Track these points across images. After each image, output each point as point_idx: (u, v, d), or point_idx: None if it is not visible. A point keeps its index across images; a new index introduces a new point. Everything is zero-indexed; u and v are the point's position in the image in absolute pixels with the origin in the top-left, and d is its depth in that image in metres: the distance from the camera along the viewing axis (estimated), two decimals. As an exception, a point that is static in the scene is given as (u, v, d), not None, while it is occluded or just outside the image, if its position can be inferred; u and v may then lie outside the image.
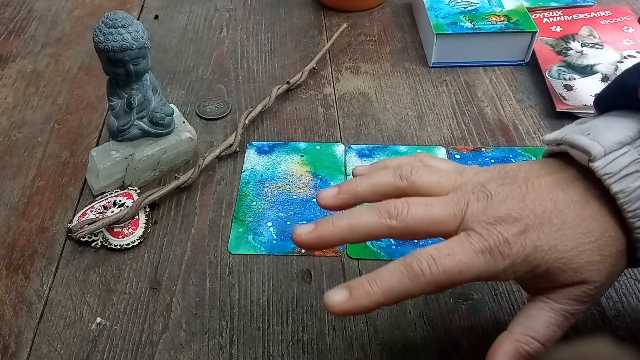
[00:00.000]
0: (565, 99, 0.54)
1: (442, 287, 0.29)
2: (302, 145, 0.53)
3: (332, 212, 0.33)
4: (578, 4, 0.67)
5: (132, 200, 0.47)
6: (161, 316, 0.40)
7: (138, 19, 0.69)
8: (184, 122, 0.51)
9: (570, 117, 0.54)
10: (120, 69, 0.44)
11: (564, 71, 0.58)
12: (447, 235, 0.31)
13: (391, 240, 0.44)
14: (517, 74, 0.60)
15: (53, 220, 0.47)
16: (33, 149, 0.53)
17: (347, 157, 0.51)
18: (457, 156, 0.51)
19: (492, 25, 0.60)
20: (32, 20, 0.72)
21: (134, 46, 0.43)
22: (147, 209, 0.47)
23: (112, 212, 0.46)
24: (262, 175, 0.50)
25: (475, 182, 0.32)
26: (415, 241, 0.44)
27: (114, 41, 0.42)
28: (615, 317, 0.39)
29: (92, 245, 0.44)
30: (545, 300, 0.30)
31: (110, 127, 0.47)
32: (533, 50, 0.60)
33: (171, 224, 0.46)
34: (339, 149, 0.52)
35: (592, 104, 0.54)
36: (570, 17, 0.65)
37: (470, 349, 0.37)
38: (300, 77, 0.59)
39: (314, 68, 0.60)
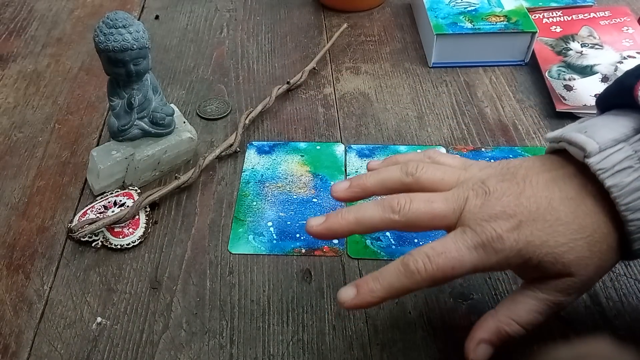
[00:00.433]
0: (565, 99, 0.55)
1: (438, 282, 0.31)
2: (302, 145, 0.53)
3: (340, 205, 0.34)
4: (578, 5, 0.67)
5: (132, 200, 0.47)
6: (161, 316, 0.40)
7: (139, 19, 0.69)
8: (184, 122, 0.51)
9: (570, 117, 0.54)
10: (120, 69, 0.44)
11: (564, 71, 0.58)
12: (447, 228, 0.33)
13: (391, 240, 0.44)
14: (517, 74, 0.60)
15: (53, 220, 0.47)
16: (33, 148, 0.54)
17: (347, 157, 0.51)
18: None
19: (492, 26, 0.60)
20: (32, 21, 0.72)
21: (135, 46, 0.43)
22: (148, 209, 0.47)
23: (113, 212, 0.46)
24: (262, 175, 0.50)
25: (476, 179, 0.33)
26: (415, 240, 0.44)
27: (114, 41, 0.42)
28: (615, 317, 0.39)
29: (93, 245, 0.44)
30: (532, 289, 0.32)
31: (110, 127, 0.47)
32: (533, 51, 0.60)
33: (171, 224, 0.46)
34: (339, 149, 0.52)
35: (591, 104, 0.54)
36: (570, 17, 0.65)
37: (470, 348, 0.37)
38: (301, 77, 0.59)
39: (314, 68, 0.60)
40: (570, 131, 0.32)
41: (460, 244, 0.31)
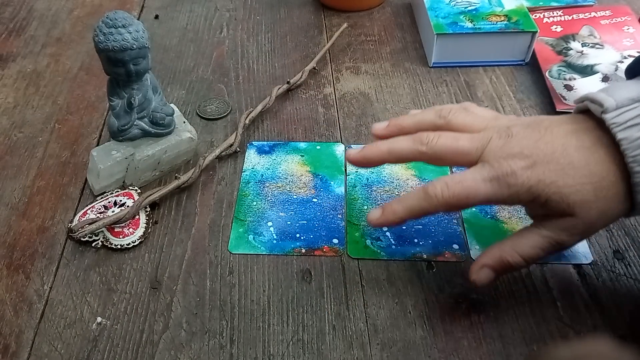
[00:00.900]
0: (566, 99, 0.54)
1: (453, 208, 0.36)
2: (303, 145, 0.53)
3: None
4: (578, 4, 0.67)
5: (132, 200, 0.47)
6: (162, 316, 0.40)
7: (138, 19, 0.69)
8: (184, 122, 0.51)
9: (571, 117, 0.54)
10: (120, 69, 0.44)
11: (564, 71, 0.58)
12: (469, 165, 0.36)
13: (391, 240, 0.44)
14: (517, 74, 0.60)
15: (54, 220, 0.47)
16: (33, 148, 0.54)
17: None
18: (457, 156, 0.51)
19: (492, 25, 0.60)
20: (32, 20, 0.72)
21: (134, 46, 0.43)
22: (148, 209, 0.47)
23: (113, 211, 0.46)
24: (262, 175, 0.50)
25: (503, 125, 0.37)
26: (415, 240, 0.44)
27: (114, 41, 0.42)
28: (615, 317, 0.39)
29: (93, 245, 0.44)
30: (538, 226, 0.35)
31: (110, 127, 0.47)
32: (533, 50, 0.60)
33: (172, 224, 0.46)
34: (339, 149, 0.52)
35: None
36: (571, 17, 0.65)
37: (470, 348, 0.37)
38: (301, 77, 0.59)
39: (314, 68, 0.60)
40: (594, 92, 0.35)
41: (477, 175, 0.34)
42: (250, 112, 0.54)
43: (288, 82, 0.58)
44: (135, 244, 0.44)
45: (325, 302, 0.40)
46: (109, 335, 0.39)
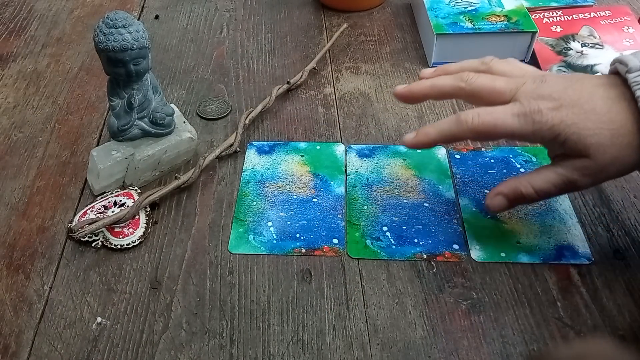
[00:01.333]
0: (566, 99, 0.54)
1: (481, 136, 0.39)
2: (303, 145, 0.53)
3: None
4: (578, 4, 0.67)
5: (132, 200, 0.47)
6: (161, 316, 0.40)
7: (138, 19, 0.69)
8: (184, 122, 0.51)
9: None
10: (120, 69, 0.44)
11: (564, 71, 0.58)
12: (502, 104, 0.39)
13: (391, 240, 0.44)
14: (517, 74, 0.60)
15: (53, 220, 0.47)
16: (33, 148, 0.54)
17: (347, 157, 0.51)
18: (457, 156, 0.51)
19: (492, 26, 0.60)
20: (32, 20, 0.72)
21: (135, 46, 0.43)
22: (148, 209, 0.47)
23: (113, 212, 0.46)
24: (262, 175, 0.50)
25: (539, 74, 0.40)
26: (415, 240, 0.44)
27: (114, 41, 0.42)
28: (615, 317, 0.39)
29: (93, 245, 0.44)
30: (554, 164, 0.39)
31: (110, 127, 0.47)
32: (533, 50, 0.60)
33: (172, 224, 0.46)
34: (339, 149, 0.52)
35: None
36: (571, 17, 0.65)
37: (470, 348, 0.37)
38: (301, 77, 0.59)
39: (314, 68, 0.60)
40: (625, 55, 0.37)
41: (507, 109, 0.38)
42: (250, 112, 0.54)
43: (288, 82, 0.58)
44: (135, 244, 0.44)
45: (325, 302, 0.40)
46: (109, 335, 0.39)
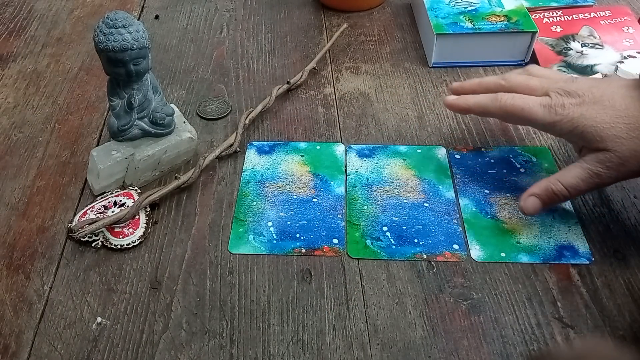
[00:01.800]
0: (566, 99, 0.54)
1: (510, 116, 0.44)
2: (303, 145, 0.53)
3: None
4: (578, 4, 0.67)
5: (132, 200, 0.47)
6: (161, 316, 0.40)
7: (138, 19, 0.69)
8: (184, 122, 0.51)
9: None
10: (120, 69, 0.44)
11: (564, 71, 0.58)
12: None
13: (391, 240, 0.44)
14: (517, 74, 0.60)
15: (53, 220, 0.47)
16: (33, 148, 0.54)
17: (347, 157, 0.51)
18: (457, 156, 0.51)
19: (492, 26, 0.60)
20: (32, 20, 0.72)
21: (135, 46, 0.43)
22: (148, 209, 0.47)
23: (113, 212, 0.46)
24: (262, 175, 0.50)
25: (573, 77, 0.45)
26: (415, 241, 0.44)
27: (114, 41, 0.42)
28: (615, 317, 0.39)
29: (93, 245, 0.44)
30: (580, 160, 0.41)
31: (110, 127, 0.47)
32: (533, 51, 0.60)
33: (172, 224, 0.46)
34: (339, 149, 0.52)
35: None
36: (571, 17, 0.65)
37: (470, 348, 0.37)
38: (301, 77, 0.59)
39: (314, 68, 0.60)
40: None
41: (537, 100, 0.43)
42: (250, 112, 0.54)
43: (288, 82, 0.58)
44: (135, 244, 0.44)
45: (325, 302, 0.40)
46: (108, 336, 0.39)
